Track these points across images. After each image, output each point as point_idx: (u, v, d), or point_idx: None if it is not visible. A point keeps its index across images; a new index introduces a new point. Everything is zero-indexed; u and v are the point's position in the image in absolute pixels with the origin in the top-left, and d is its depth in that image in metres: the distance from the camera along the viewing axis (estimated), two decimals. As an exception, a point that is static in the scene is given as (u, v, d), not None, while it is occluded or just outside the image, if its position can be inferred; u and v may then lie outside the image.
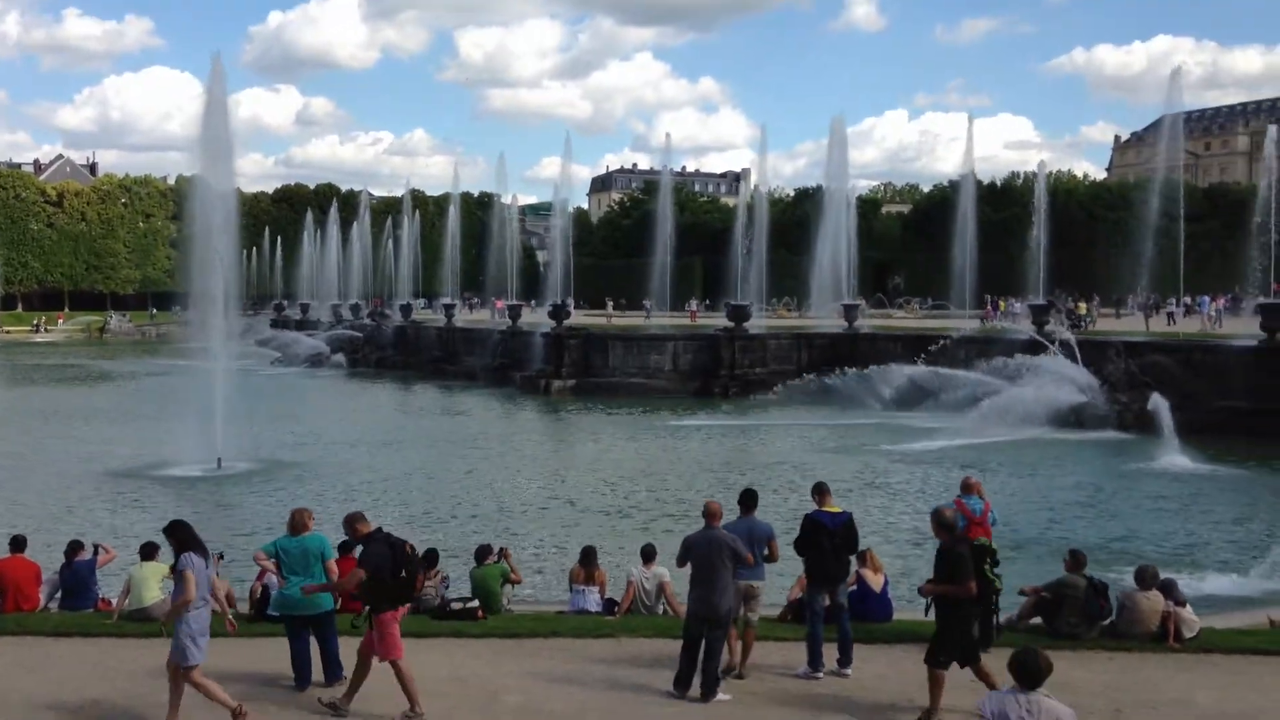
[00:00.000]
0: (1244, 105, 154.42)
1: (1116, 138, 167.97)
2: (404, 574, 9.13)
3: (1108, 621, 10.72)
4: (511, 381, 51.51)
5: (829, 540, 9.77)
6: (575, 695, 9.43)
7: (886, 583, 11.70)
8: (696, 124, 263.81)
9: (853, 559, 10.82)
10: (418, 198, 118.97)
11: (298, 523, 9.86)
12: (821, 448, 32.40)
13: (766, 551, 10.38)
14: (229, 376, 28.86)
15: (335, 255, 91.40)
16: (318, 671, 9.90)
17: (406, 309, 70.10)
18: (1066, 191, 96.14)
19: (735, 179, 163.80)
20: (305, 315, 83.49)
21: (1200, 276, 47.00)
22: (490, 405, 46.40)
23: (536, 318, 57.53)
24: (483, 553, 12.69)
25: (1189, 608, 10.73)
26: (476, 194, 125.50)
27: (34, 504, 23.21)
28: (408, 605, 9.50)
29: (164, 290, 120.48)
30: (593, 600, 12.36)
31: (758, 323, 50.94)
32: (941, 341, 39.93)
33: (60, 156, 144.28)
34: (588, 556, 12.77)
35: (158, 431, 34.57)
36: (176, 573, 9.03)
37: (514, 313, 55.96)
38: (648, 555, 12.59)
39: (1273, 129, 43.57)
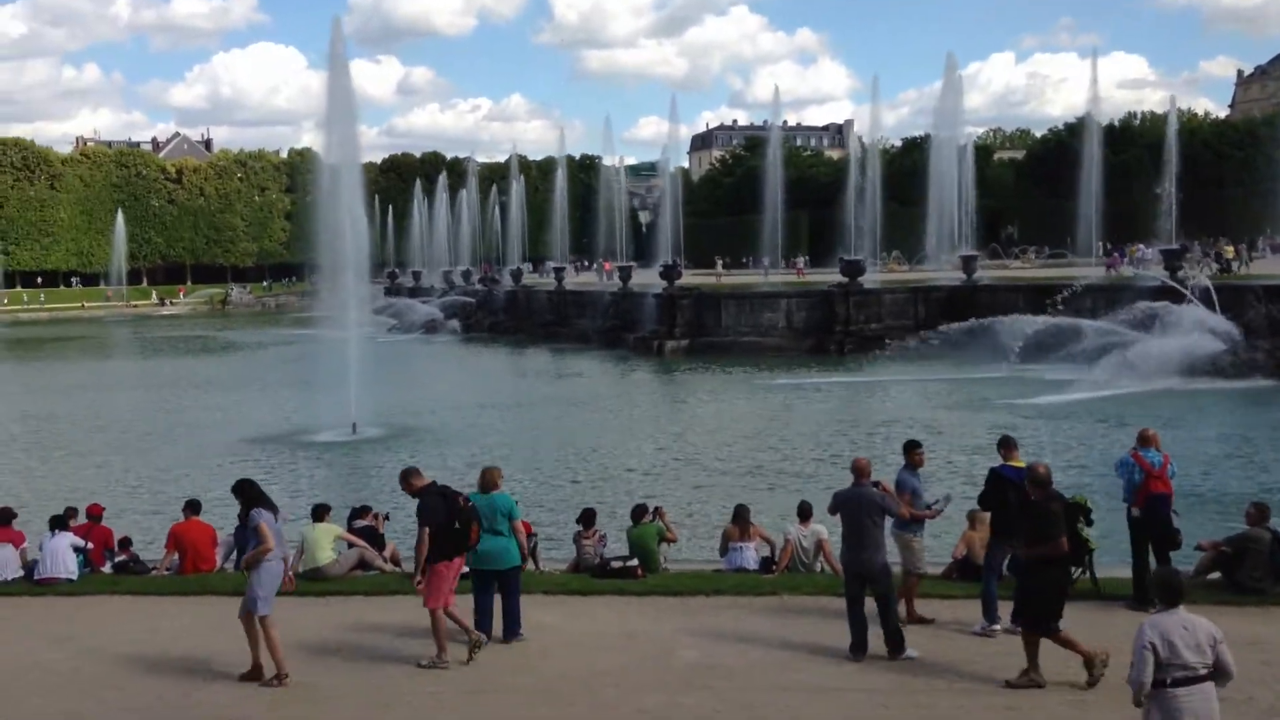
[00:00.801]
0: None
1: (1240, 72, 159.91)
2: (457, 525, 9.33)
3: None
4: (624, 343, 51.72)
5: (1015, 494, 9.59)
6: (748, 652, 9.46)
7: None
8: (795, 77, 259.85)
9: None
10: (521, 163, 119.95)
11: (488, 480, 10.09)
12: (948, 403, 31.84)
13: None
14: (361, 345, 29.48)
15: (444, 222, 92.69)
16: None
17: (517, 274, 70.80)
18: (1190, 131, 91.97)
19: (838, 131, 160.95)
20: (418, 283, 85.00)
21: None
22: (605, 367, 46.72)
23: (643, 278, 57.65)
24: (639, 512, 12.82)
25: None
26: (578, 157, 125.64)
27: (187, 469, 24.18)
28: (462, 557, 9.68)
29: (280, 262, 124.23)
30: (750, 557, 12.39)
31: (871, 277, 50.15)
32: (1067, 291, 38.71)
33: (177, 134, 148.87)
34: (740, 514, 12.80)
35: (293, 399, 35.85)
36: (251, 526, 9.39)
37: (624, 274, 56.06)
38: (804, 513, 12.54)
39: None
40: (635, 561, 11.97)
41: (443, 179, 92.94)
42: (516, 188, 78.50)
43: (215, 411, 34.74)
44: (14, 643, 10.69)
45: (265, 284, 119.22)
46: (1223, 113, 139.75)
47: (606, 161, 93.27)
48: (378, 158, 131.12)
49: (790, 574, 11.92)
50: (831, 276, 58.01)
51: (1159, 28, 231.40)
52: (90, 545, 12.88)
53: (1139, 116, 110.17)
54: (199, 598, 11.68)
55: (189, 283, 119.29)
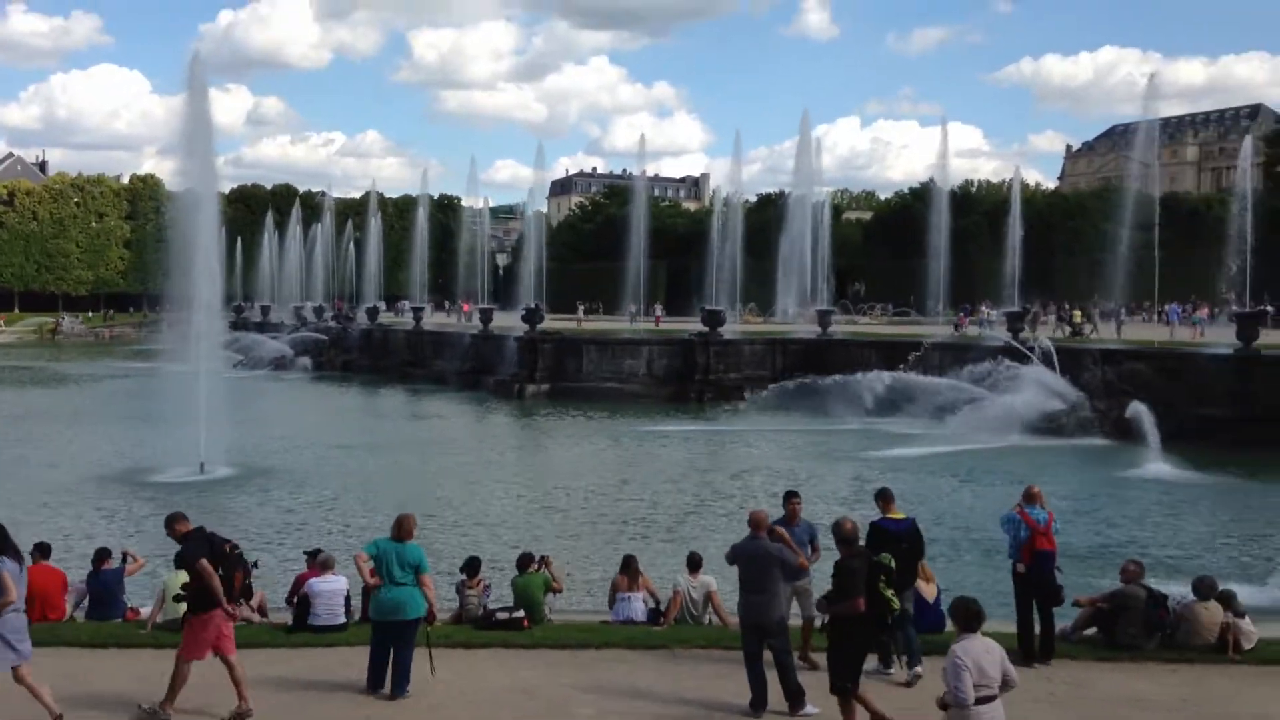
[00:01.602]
0: (1192, 116, 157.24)
1: (1069, 147, 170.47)
2: (220, 572, 9.12)
3: (1165, 632, 10.74)
4: (483, 386, 51.19)
5: (895, 547, 9.72)
6: (647, 709, 9.26)
7: (940, 592, 11.67)
8: (651, 128, 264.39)
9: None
10: (378, 200, 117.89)
11: (404, 528, 9.71)
12: (807, 454, 32.47)
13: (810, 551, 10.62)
14: (210, 381, 28.25)
15: (296, 256, 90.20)
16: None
17: (373, 312, 69.36)
18: (1025, 200, 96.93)
19: (695, 183, 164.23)
20: (266, 317, 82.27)
21: (1163, 286, 47.66)
22: (465, 409, 46.05)
23: (501, 321, 57.33)
24: (524, 561, 12.50)
25: (1248, 619, 10.78)
26: (435, 196, 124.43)
27: (22, 510, 22.56)
28: (230, 608, 9.42)
29: (117, 291, 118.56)
30: (638, 608, 12.20)
31: (729, 328, 50.97)
32: (920, 349, 40.16)
33: (10, 154, 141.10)
34: (629, 564, 12.64)
35: (135, 436, 34.06)
36: None
37: (485, 316, 55.54)
38: (694, 564, 12.46)
39: (1248, 141, 44.42)
40: (521, 612, 11.65)
41: (295, 212, 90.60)
42: (375, 224, 77.05)
43: (50, 447, 32.70)
44: None
45: (107, 314, 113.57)
46: (1052, 184, 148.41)
47: (468, 202, 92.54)
48: (226, 188, 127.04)
49: (679, 626, 11.79)
50: (687, 325, 58.91)
51: (994, 101, 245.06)
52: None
53: (976, 184, 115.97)
54: (52, 649, 10.79)
55: (16, 310, 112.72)
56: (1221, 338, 38.40)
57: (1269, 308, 40.85)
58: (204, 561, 8.99)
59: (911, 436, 33.90)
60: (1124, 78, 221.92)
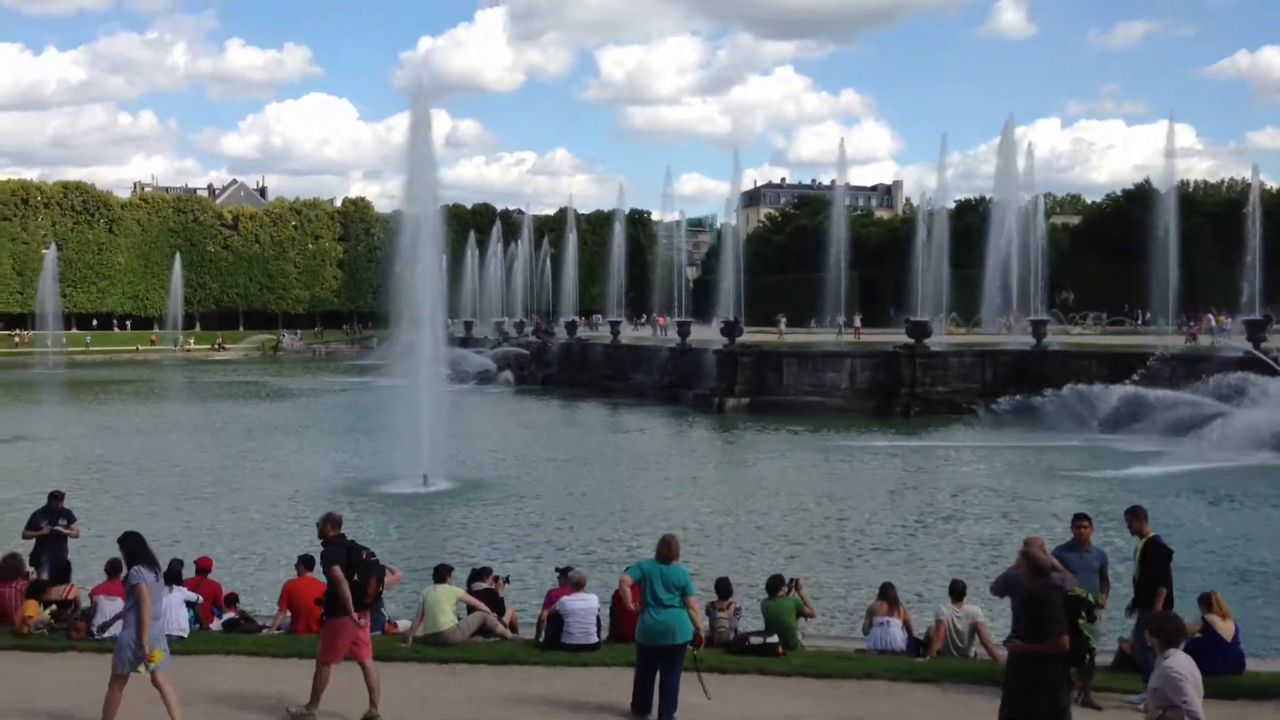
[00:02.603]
0: None
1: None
2: (355, 578, 9.23)
3: None
4: (681, 399, 51.20)
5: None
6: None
7: (1238, 630, 10.63)
8: (838, 137, 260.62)
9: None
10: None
11: (670, 550, 9.56)
12: (1031, 472, 30.90)
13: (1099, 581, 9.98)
14: (436, 396, 29.12)
15: (497, 273, 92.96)
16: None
17: (572, 326, 70.61)
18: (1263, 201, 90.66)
19: (886, 191, 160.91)
20: (469, 333, 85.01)
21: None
22: (665, 423, 46.12)
23: (695, 334, 57.30)
24: (775, 584, 12.13)
25: None
26: (627, 211, 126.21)
27: (265, 521, 23.75)
28: (365, 612, 9.69)
29: (330, 309, 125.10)
30: (897, 636, 11.64)
31: (935, 339, 49.34)
32: (1151, 360, 37.79)
33: (234, 181, 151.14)
34: (887, 591, 12.09)
35: (358, 449, 35.51)
36: (130, 586, 8.97)
37: (683, 330, 55.61)
38: (958, 593, 11.79)
39: None
40: (775, 638, 11.26)
41: (497, 229, 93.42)
42: (571, 240, 78.60)
43: (276, 459, 34.43)
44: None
45: (320, 331, 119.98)
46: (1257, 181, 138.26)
47: (658, 216, 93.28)
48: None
49: (943, 658, 11.15)
50: (885, 337, 57.44)
51: (1206, 97, 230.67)
52: (201, 600, 12.37)
53: (1193, 185, 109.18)
54: (314, 660, 11.04)
55: (241, 328, 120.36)
56: None
57: None
58: (337, 569, 9.20)
59: (1146, 454, 31.72)
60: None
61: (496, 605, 12.40)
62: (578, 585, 11.89)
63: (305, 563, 12.82)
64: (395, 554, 17.98)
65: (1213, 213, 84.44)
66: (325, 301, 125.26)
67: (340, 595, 9.28)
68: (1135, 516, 10.10)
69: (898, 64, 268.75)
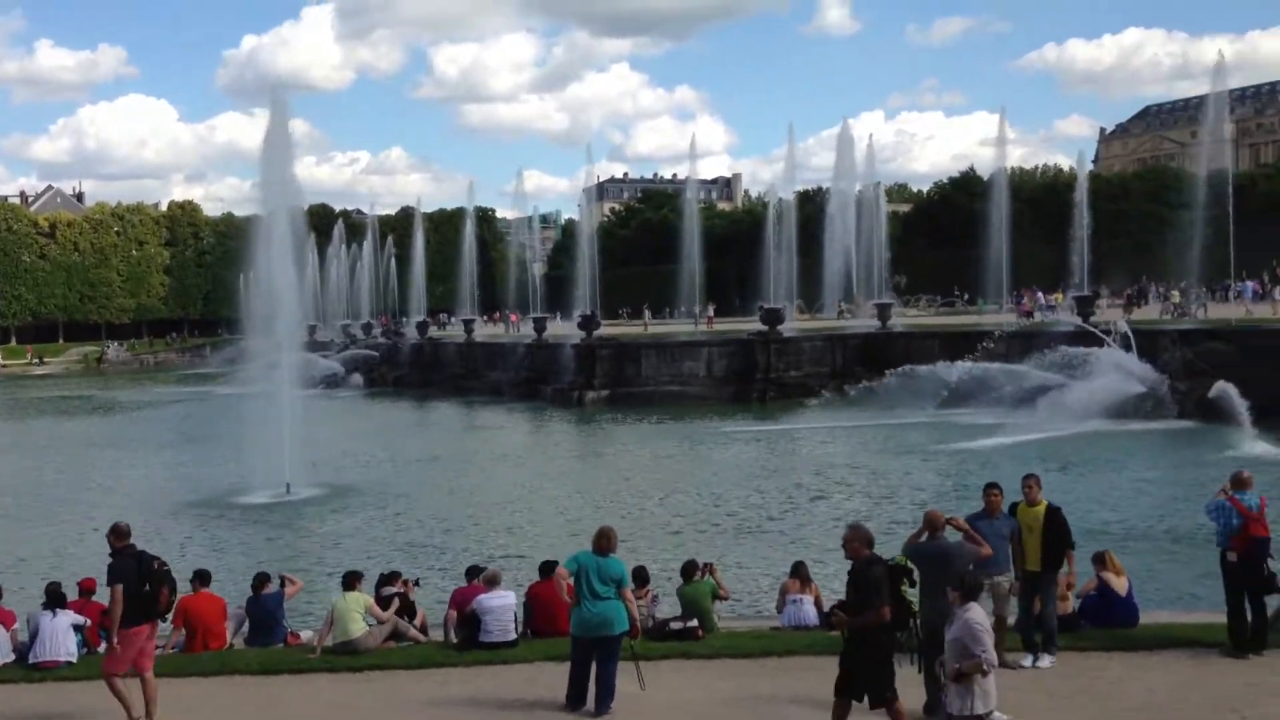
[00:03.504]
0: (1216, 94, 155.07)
1: (1102, 130, 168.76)
2: (148, 588, 9.28)
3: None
4: (540, 395, 51.05)
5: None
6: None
7: (1131, 585, 11.26)
8: (675, 132, 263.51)
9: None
10: (412, 215, 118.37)
11: (607, 543, 9.45)
12: (888, 449, 31.93)
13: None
14: (295, 402, 28.19)
15: (340, 275, 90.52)
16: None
17: (423, 326, 69.46)
18: (1065, 185, 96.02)
19: (726, 184, 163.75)
20: (312, 337, 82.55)
21: (1220, 263, 46.80)
22: (526, 420, 45.95)
23: (550, 329, 57.22)
24: (689, 569, 12.21)
25: None
26: (468, 210, 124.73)
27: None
28: (155, 622, 9.67)
29: (158, 318, 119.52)
30: (810, 612, 11.87)
31: (787, 325, 50.48)
32: (988, 338, 39.66)
33: (50, 187, 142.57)
34: (799, 569, 12.32)
35: (211, 460, 34.05)
36: None
37: (539, 325, 55.45)
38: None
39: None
40: (694, 622, 11.35)
41: (339, 230, 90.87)
42: (419, 239, 77.24)
43: (121, 474, 32.83)
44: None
45: (170, 338, 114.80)
46: (1073, 168, 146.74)
47: (503, 213, 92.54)
48: (252, 210, 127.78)
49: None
50: (735, 326, 58.60)
51: (1017, 89, 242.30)
52: (88, 623, 11.68)
53: (1009, 171, 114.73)
54: (218, 677, 10.59)
55: (61, 340, 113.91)
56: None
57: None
58: (118, 588, 9.22)
59: (991, 427, 33.20)
60: (1150, 59, 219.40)
61: (407, 609, 12.12)
62: (492, 582, 11.72)
63: (200, 578, 12.26)
64: (252, 564, 17.36)
65: (1031, 198, 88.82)
66: (152, 310, 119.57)
67: (113, 615, 9.33)
68: (1030, 484, 10.52)
69: (731, 61, 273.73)
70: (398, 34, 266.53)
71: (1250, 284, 47.11)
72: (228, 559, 19.91)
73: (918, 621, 8.62)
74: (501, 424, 45.23)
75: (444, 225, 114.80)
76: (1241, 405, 29.80)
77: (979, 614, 7.62)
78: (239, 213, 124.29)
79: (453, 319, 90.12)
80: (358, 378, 65.31)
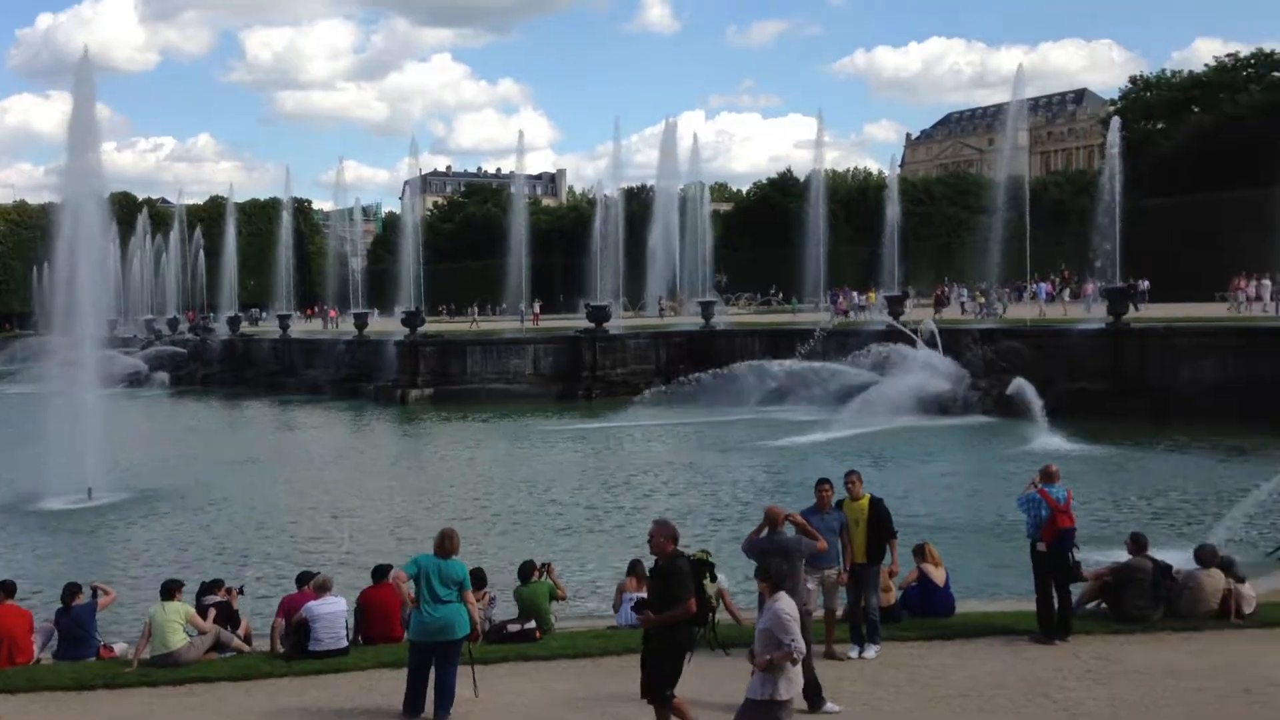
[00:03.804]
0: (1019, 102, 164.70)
1: (908, 135, 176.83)
2: None
3: (1169, 602, 11.09)
4: (361, 394, 49.91)
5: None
6: (706, 716, 8.99)
7: (948, 576, 11.83)
8: (498, 125, 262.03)
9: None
10: (220, 206, 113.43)
11: (449, 545, 9.23)
12: (710, 446, 32.54)
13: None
14: (96, 402, 26.65)
15: (144, 268, 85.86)
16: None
17: (235, 321, 66.73)
18: (874, 187, 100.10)
19: (550, 180, 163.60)
20: (113, 332, 78.09)
21: (1019, 265, 49.85)
22: (347, 418, 44.81)
23: (372, 325, 55.95)
24: (527, 570, 12.12)
25: (1247, 584, 11.25)
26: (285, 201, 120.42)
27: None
28: None
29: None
30: (645, 610, 11.98)
31: (613, 323, 50.87)
32: (808, 336, 40.99)
33: None
34: (635, 567, 12.43)
35: (3, 463, 31.78)
36: None
37: (360, 321, 54.11)
38: (703, 564, 12.29)
39: (1115, 122, 46.66)
40: (532, 623, 11.30)
41: (143, 221, 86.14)
42: (230, 230, 74.02)
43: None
44: None
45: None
46: (891, 172, 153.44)
47: (320, 205, 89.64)
48: (46, 198, 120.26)
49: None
50: (560, 323, 58.69)
51: (831, 92, 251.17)
52: None
53: (823, 174, 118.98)
54: (28, 694, 9.92)
55: None
56: (1074, 314, 40.26)
57: (1142, 284, 43.19)
58: None
59: (809, 423, 34.29)
60: (951, 67, 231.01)
61: (230, 619, 11.64)
62: (323, 588, 11.37)
63: (4, 589, 11.45)
64: (83, 575, 16.36)
65: (844, 200, 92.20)
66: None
67: None
68: (853, 480, 10.94)
69: (554, 56, 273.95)
70: (206, 15, 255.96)
71: (1044, 286, 50.21)
72: (26, 569, 18.65)
73: (714, 617, 8.73)
74: (321, 423, 43.93)
75: (257, 216, 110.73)
76: (1037, 402, 31.75)
77: (787, 604, 7.83)
78: (33, 200, 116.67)
79: (266, 314, 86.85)
80: (163, 376, 62.18)
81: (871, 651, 10.58)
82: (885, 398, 35.18)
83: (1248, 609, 10.94)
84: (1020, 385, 33.16)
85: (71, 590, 11.80)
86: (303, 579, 12.17)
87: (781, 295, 77.75)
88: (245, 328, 69.73)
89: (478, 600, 11.59)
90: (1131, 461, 26.91)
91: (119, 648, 11.72)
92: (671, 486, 26.63)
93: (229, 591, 12.30)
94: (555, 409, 43.16)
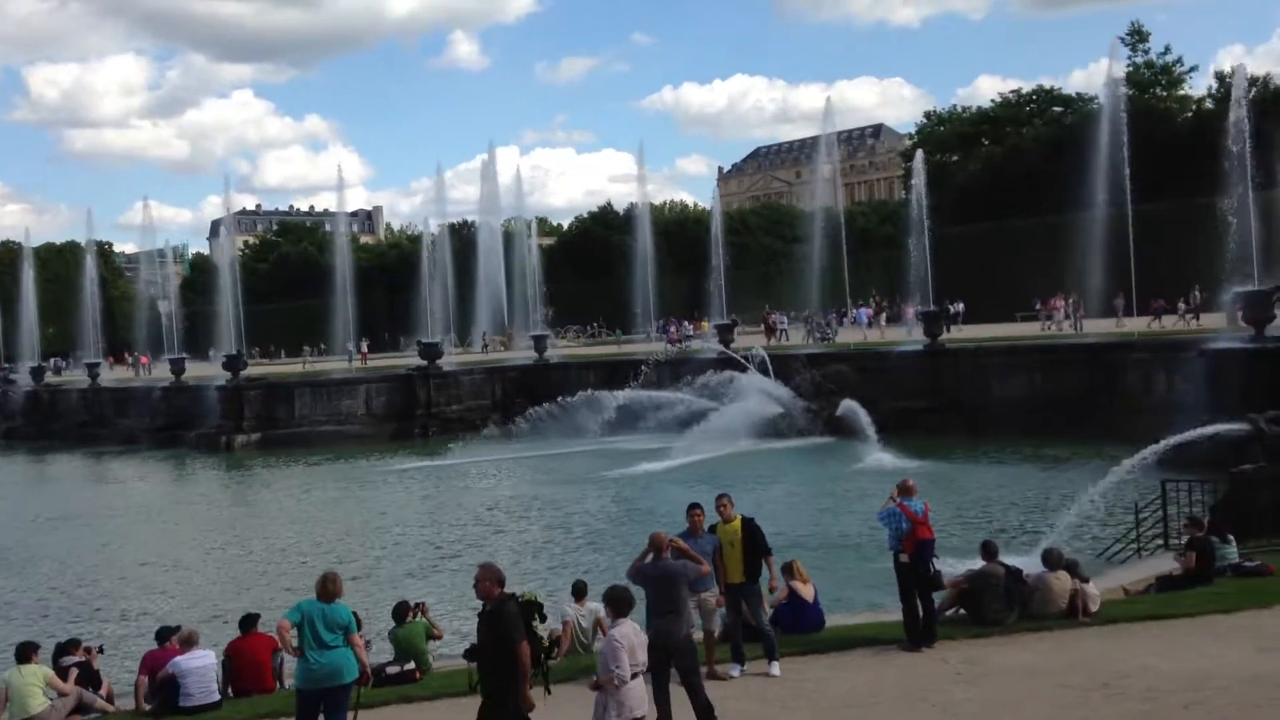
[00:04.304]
0: (816, 138, 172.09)
1: (720, 169, 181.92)
2: None
3: (1022, 605, 11.84)
4: (182, 442, 47.76)
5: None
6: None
7: (816, 592, 12.30)
8: (306, 162, 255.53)
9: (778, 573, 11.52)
10: (12, 250, 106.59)
11: (331, 589, 8.96)
12: (556, 478, 32.64)
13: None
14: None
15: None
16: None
17: (38, 371, 62.82)
18: (696, 220, 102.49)
19: (367, 217, 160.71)
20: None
21: (837, 291, 52.10)
22: (168, 468, 42.91)
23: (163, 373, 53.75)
24: (401, 611, 11.96)
25: (1091, 583, 12.13)
26: (82, 242, 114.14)
27: None
28: None
29: None
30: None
31: (446, 359, 50.26)
32: (647, 366, 41.66)
33: None
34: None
35: None
36: None
37: (177, 367, 51.84)
38: (580, 591, 12.38)
39: (919, 155, 49.27)
40: (411, 664, 11.18)
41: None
42: (28, 276, 69.70)
43: None
44: None
45: None
46: (705, 204, 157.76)
47: (121, 248, 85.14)
48: None
49: (573, 656, 11.73)
50: (389, 361, 57.79)
51: (642, 128, 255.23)
52: None
53: (637, 207, 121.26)
54: None
55: None
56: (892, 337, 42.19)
57: (957, 306, 45.59)
58: None
59: (651, 452, 34.72)
60: (754, 103, 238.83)
61: (92, 679, 11.07)
62: (189, 642, 10.94)
63: None
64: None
65: (664, 231, 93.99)
66: None
67: None
68: (724, 503, 11.29)
69: (361, 91, 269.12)
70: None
71: (864, 311, 52.50)
72: None
73: (548, 656, 8.77)
74: (141, 474, 41.90)
75: (52, 261, 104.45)
76: (866, 421, 33.20)
77: (623, 630, 8.12)
78: None
79: (68, 363, 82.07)
80: (-43, 431, 58.00)
81: (776, 669, 10.78)
82: (723, 424, 35.97)
83: (1093, 607, 11.79)
84: (850, 406, 34.61)
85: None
86: (163, 634, 11.70)
87: (606, 327, 78.61)
88: (50, 377, 65.69)
89: (352, 645, 11.42)
90: (959, 474, 28.40)
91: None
92: (522, 521, 26.63)
93: (88, 651, 11.73)
94: (391, 449, 42.40)
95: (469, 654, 8.64)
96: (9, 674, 10.63)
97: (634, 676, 8.16)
